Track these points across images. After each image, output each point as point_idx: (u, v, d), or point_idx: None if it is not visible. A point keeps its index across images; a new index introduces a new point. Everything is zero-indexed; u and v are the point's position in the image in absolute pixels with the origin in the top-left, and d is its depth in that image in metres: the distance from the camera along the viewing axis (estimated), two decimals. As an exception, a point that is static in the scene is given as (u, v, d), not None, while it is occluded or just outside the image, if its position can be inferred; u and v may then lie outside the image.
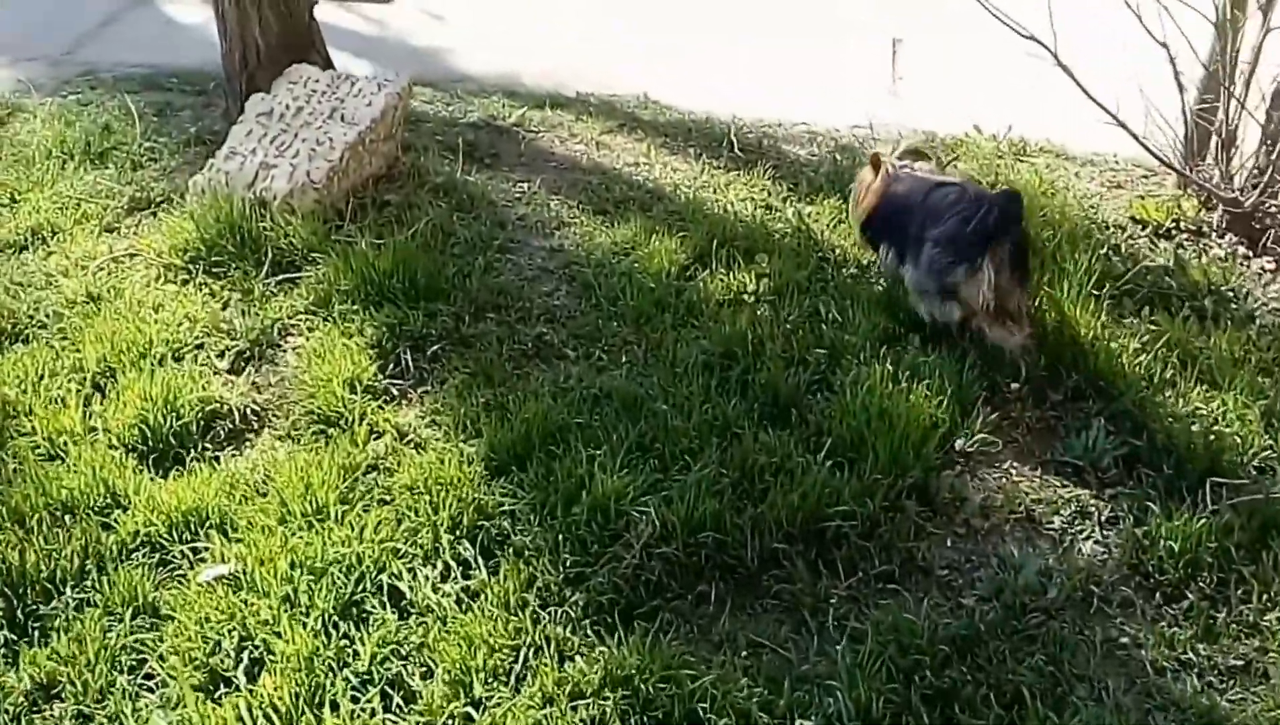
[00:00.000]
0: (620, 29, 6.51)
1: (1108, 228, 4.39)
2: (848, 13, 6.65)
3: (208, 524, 2.97)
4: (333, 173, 4.22)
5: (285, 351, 3.69)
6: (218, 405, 3.40)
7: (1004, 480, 3.30)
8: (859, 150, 4.97)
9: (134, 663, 2.66)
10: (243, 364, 3.63)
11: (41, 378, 3.42)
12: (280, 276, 3.93)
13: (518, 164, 4.87)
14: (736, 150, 4.99)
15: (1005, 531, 3.16)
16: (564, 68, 5.95)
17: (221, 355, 3.63)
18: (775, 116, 5.41)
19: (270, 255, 3.98)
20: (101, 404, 3.35)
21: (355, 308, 3.76)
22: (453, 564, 2.92)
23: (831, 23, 6.51)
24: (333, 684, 2.58)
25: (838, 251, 4.17)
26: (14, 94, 5.51)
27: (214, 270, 3.97)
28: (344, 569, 2.83)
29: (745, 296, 3.91)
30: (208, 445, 3.31)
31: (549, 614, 2.78)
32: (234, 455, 3.29)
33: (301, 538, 2.91)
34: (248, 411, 3.43)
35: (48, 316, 3.76)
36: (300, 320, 3.77)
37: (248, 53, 4.74)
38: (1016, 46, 4.13)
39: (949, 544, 3.10)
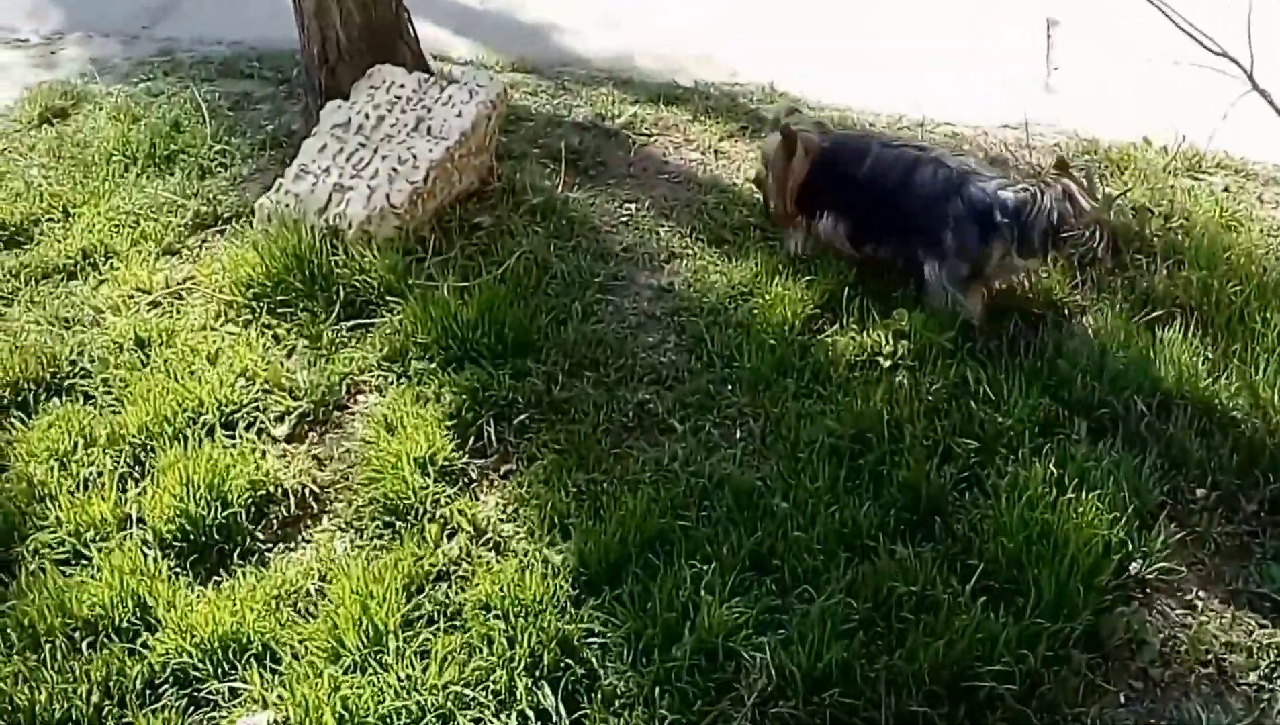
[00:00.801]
0: (747, 6, 5.88)
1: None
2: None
3: (249, 653, 2.55)
4: (416, 195, 3.74)
5: (353, 415, 3.25)
6: (272, 488, 2.97)
7: (1188, 617, 2.73)
8: (1012, 158, 4.33)
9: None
10: (304, 429, 3.19)
11: (74, 450, 3.03)
12: (352, 322, 3.48)
13: (626, 176, 4.33)
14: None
15: (1190, 685, 2.60)
16: (683, 49, 5.36)
17: (281, 419, 3.19)
18: (916, 112, 4.76)
19: (342, 295, 3.52)
20: (138, 487, 2.94)
21: (434, 366, 3.29)
22: (530, 715, 2.46)
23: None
24: None
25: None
26: (83, 78, 5.13)
27: (279, 310, 3.53)
28: (402, 727, 2.40)
29: (880, 359, 3.35)
30: (258, 536, 2.88)
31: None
32: (286, 551, 2.86)
33: (354, 680, 2.47)
34: (306, 494, 3.00)
35: (91, 363, 3.35)
36: (372, 376, 3.32)
37: (327, 47, 4.26)
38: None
39: (1122, 702, 2.56)
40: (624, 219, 4.05)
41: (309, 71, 4.39)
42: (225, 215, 4.05)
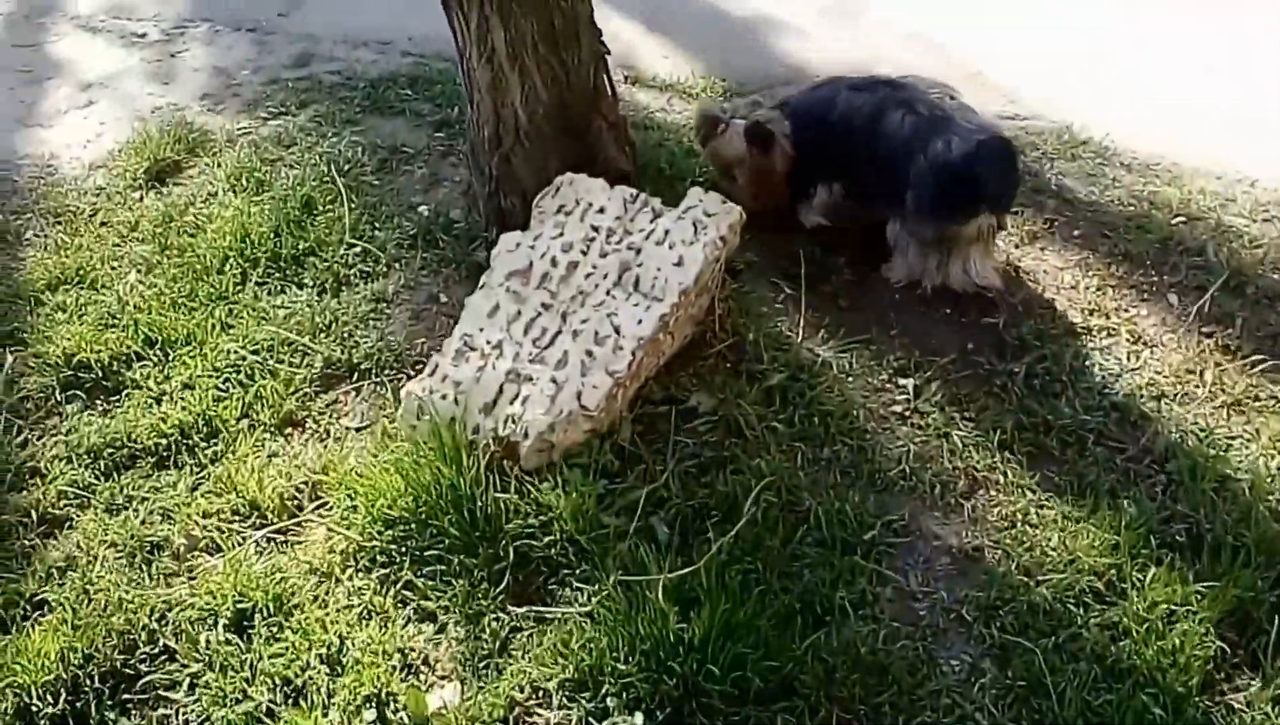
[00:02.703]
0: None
1: None
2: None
3: None
4: (617, 388, 2.67)
5: (521, 764, 2.27)
6: None
7: None
8: None
9: None
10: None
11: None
12: (525, 607, 2.46)
13: (891, 304, 3.17)
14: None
15: None
16: (940, 59, 4.12)
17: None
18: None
19: (512, 554, 2.51)
20: None
21: (639, 711, 2.27)
22: None
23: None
24: None
25: None
26: (203, 104, 4.14)
27: (424, 564, 2.54)
28: None
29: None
30: None
31: None
32: None
33: None
34: None
35: (175, 639, 2.44)
36: (550, 713, 2.32)
37: (502, 130, 3.16)
38: None
39: None
40: (897, 405, 2.90)
41: (476, 153, 3.30)
42: (362, 365, 3.05)
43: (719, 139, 3.25)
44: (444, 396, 2.69)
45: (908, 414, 2.88)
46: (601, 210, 2.90)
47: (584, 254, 2.83)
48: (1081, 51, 4.28)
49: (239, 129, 3.96)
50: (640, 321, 2.72)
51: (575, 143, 3.20)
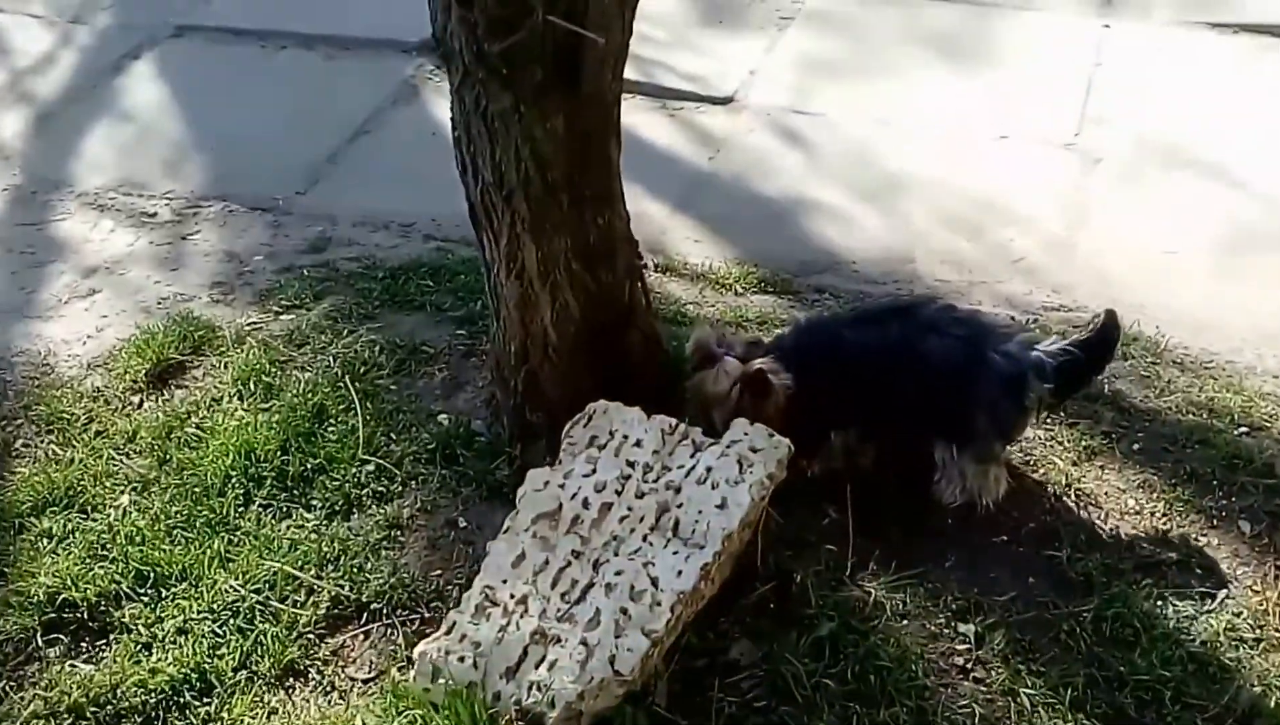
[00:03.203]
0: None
1: None
2: None
3: None
4: (653, 649, 2.42)
5: None
6: None
7: None
8: None
9: None
10: None
11: None
12: None
13: (948, 535, 2.94)
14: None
15: None
16: (997, 247, 3.96)
17: None
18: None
19: None
20: None
21: None
22: None
23: None
24: None
25: None
26: (211, 293, 3.97)
27: None
28: None
29: None
30: None
31: None
32: None
33: None
34: None
35: None
36: None
37: (531, 346, 2.97)
38: None
39: None
40: (958, 655, 2.64)
41: (500, 366, 3.11)
42: (372, 604, 2.81)
43: (706, 373, 2.91)
44: (461, 658, 2.44)
45: (970, 666, 2.62)
46: (638, 443, 2.68)
47: (618, 494, 2.61)
48: (1128, 238, 4.13)
49: (249, 324, 3.77)
50: (680, 573, 2.47)
51: (608, 359, 3.00)
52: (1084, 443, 3.22)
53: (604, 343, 2.97)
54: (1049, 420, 3.19)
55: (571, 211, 2.71)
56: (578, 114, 2.63)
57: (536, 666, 2.41)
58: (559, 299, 2.85)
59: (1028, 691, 2.55)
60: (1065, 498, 3.05)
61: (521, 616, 2.45)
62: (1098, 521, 2.99)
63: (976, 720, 2.50)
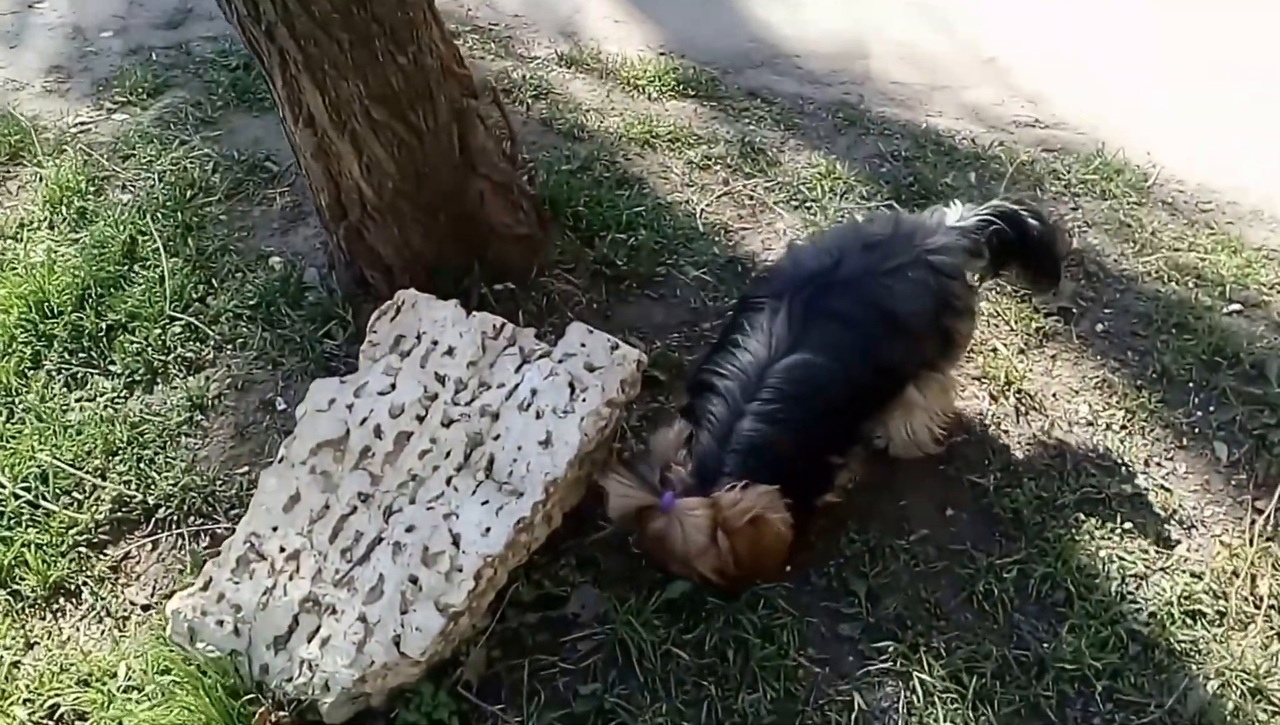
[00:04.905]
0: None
1: None
2: None
3: None
4: (451, 624, 1.99)
5: None
6: None
7: None
8: None
9: None
10: None
11: None
12: None
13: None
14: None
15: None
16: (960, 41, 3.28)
17: None
18: None
19: None
20: None
21: None
22: None
23: None
24: None
25: None
26: (46, 82, 3.37)
27: None
28: None
29: None
30: None
31: None
32: None
33: None
34: None
35: None
36: None
37: (345, 200, 2.40)
38: None
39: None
40: (844, 622, 2.20)
41: (323, 220, 2.54)
42: (161, 509, 2.38)
43: (656, 529, 2.08)
44: (220, 622, 2.02)
45: (856, 637, 2.17)
46: (450, 351, 2.15)
47: (420, 421, 2.10)
48: (1121, 46, 3.39)
49: (76, 124, 3.18)
50: (489, 530, 2.00)
51: (448, 211, 2.43)
52: (1035, 323, 2.67)
53: (437, 196, 2.39)
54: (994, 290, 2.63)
55: (359, 51, 2.08)
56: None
57: (309, 640, 1.99)
58: (365, 152, 2.25)
59: (923, 677, 2.10)
60: (1003, 400, 2.52)
61: (291, 578, 2.01)
62: (1039, 434, 2.47)
63: (854, 713, 2.07)
